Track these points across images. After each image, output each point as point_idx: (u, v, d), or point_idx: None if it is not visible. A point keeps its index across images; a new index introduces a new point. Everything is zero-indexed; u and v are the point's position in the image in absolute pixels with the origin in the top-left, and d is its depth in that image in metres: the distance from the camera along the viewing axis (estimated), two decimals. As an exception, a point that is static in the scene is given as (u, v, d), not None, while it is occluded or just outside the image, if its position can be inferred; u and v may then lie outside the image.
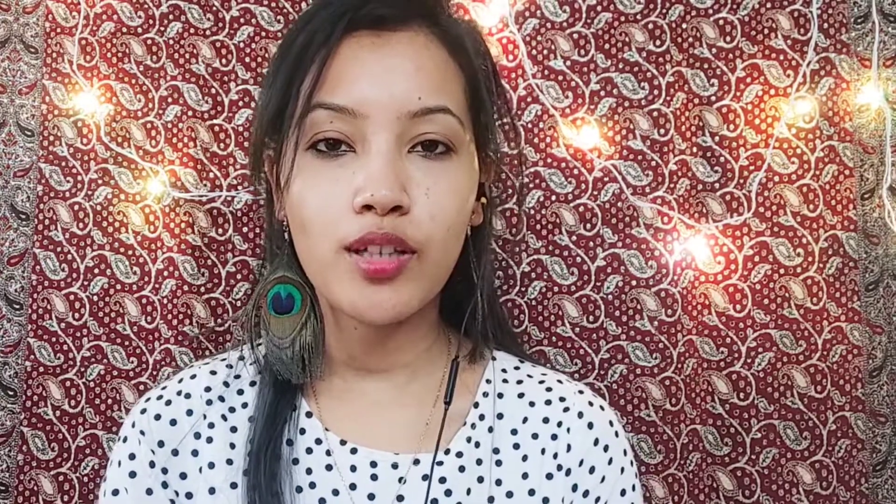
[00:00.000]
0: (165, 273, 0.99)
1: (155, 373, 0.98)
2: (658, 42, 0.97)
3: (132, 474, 0.70)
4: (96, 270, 1.00)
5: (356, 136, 0.64)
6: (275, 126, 0.68)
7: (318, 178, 0.65)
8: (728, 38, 0.97)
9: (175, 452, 0.71)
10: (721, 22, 0.97)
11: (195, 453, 0.71)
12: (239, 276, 0.99)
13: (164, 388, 0.74)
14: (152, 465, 0.70)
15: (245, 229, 1.00)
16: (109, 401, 0.99)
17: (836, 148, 0.96)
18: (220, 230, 0.99)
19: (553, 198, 0.98)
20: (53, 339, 1.00)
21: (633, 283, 0.96)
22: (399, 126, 0.64)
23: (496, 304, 0.82)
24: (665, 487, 0.95)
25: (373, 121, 0.63)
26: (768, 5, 0.97)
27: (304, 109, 0.65)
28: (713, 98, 0.97)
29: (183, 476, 0.70)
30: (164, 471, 0.70)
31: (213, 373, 0.75)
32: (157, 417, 0.71)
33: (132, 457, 0.71)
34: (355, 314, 0.65)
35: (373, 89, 0.64)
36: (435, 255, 0.65)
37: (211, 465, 0.70)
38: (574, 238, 0.97)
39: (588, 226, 0.97)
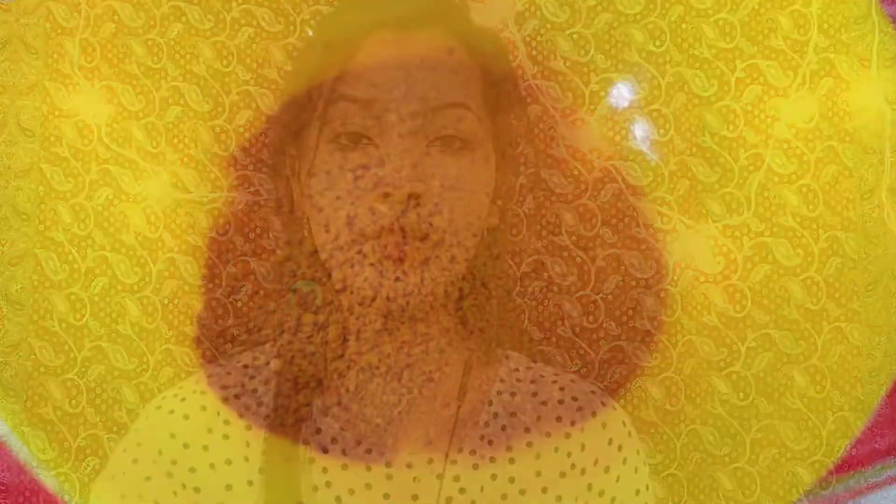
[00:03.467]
0: (166, 273, 0.99)
1: (156, 373, 0.98)
2: (658, 42, 0.97)
3: (134, 461, 0.72)
4: (97, 271, 1.00)
5: (376, 128, 0.67)
6: (297, 122, 0.71)
7: (338, 169, 0.67)
8: (728, 39, 0.97)
9: (186, 446, 0.72)
10: (721, 22, 0.97)
11: (206, 448, 0.72)
12: (240, 277, 0.99)
13: (180, 386, 0.77)
14: (160, 452, 0.72)
15: (246, 230, 1.00)
16: (110, 401, 0.99)
17: (835, 148, 0.96)
18: (221, 231, 0.99)
19: (553, 198, 0.98)
20: (54, 340, 1.00)
21: (633, 283, 0.96)
22: (418, 120, 0.66)
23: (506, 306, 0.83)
24: (665, 487, 0.95)
25: (393, 113, 0.66)
26: (768, 5, 0.97)
27: (326, 102, 0.68)
28: (713, 98, 0.97)
29: (192, 470, 0.71)
30: (174, 462, 0.71)
31: (230, 372, 0.76)
32: (171, 412, 0.73)
33: (138, 444, 0.73)
34: (371, 297, 0.66)
35: (394, 83, 0.67)
36: (450, 247, 0.67)
37: (228, 462, 0.71)
38: (574, 238, 0.97)
39: (588, 226, 0.97)
